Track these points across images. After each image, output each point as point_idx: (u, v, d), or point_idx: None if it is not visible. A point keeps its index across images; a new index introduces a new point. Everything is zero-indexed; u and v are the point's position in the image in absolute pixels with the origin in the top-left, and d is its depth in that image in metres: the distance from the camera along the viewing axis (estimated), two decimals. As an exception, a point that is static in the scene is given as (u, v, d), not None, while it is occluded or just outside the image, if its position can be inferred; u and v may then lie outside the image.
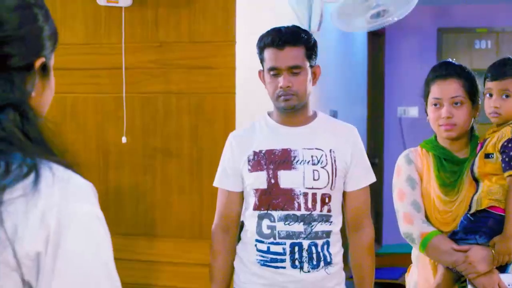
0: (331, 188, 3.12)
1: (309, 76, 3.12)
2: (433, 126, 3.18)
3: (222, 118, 4.06)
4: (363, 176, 3.22)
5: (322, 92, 5.67)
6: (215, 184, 3.30)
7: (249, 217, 3.19)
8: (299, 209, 3.09)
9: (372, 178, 3.27)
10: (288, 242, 3.09)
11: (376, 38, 8.65)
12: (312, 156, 3.11)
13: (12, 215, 1.29)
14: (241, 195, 3.25)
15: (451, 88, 3.13)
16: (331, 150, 3.14)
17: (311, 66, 3.13)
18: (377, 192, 8.14)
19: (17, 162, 1.32)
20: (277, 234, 3.10)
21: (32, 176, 1.32)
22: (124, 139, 4.18)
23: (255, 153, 3.16)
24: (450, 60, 3.28)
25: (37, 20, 1.45)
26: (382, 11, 4.84)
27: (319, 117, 3.24)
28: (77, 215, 1.36)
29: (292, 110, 3.13)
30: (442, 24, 8.85)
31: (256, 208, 3.15)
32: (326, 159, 3.12)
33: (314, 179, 3.09)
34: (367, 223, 3.27)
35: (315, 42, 3.16)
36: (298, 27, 3.18)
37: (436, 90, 3.16)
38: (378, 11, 4.81)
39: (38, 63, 1.44)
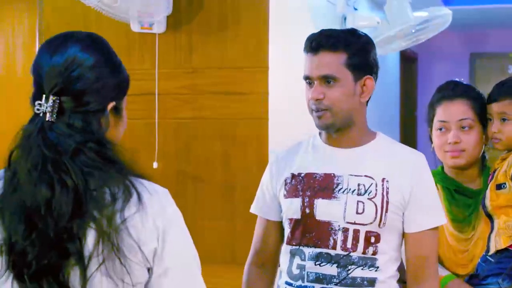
0: (379, 226, 2.49)
1: (351, 89, 2.52)
2: (439, 153, 2.87)
3: (255, 144, 4.06)
4: (426, 215, 2.54)
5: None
6: (251, 209, 2.82)
7: (283, 253, 2.67)
8: (334, 247, 2.50)
9: (440, 220, 2.59)
10: (318, 286, 2.53)
11: (409, 63, 8.64)
12: (358, 185, 2.52)
13: (134, 227, 1.74)
14: (280, 226, 2.72)
15: (458, 110, 2.80)
16: (384, 180, 2.52)
17: (357, 77, 2.54)
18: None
19: (117, 187, 1.73)
20: (305, 276, 2.55)
21: (135, 195, 1.77)
22: (155, 165, 4.20)
23: (293, 176, 2.63)
24: (458, 80, 2.98)
25: (109, 75, 1.81)
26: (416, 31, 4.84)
27: (378, 139, 2.64)
28: (174, 216, 1.88)
29: (331, 130, 2.59)
30: (474, 49, 8.82)
31: (288, 242, 2.62)
32: (376, 190, 2.51)
33: (357, 213, 2.50)
34: (431, 275, 2.57)
35: (366, 47, 2.58)
36: (353, 30, 2.64)
37: (442, 112, 2.83)
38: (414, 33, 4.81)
39: (109, 106, 1.82)
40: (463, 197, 2.84)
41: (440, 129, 2.83)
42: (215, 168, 4.16)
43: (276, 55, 4.09)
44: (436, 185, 2.66)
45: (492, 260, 2.68)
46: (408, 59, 8.37)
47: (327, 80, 2.51)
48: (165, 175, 4.24)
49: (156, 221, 1.80)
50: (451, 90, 2.86)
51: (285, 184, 2.65)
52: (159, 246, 1.80)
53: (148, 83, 4.24)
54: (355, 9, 4.92)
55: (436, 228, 2.56)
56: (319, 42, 2.54)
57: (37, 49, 4.41)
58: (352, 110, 2.55)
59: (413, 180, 2.52)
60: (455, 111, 2.81)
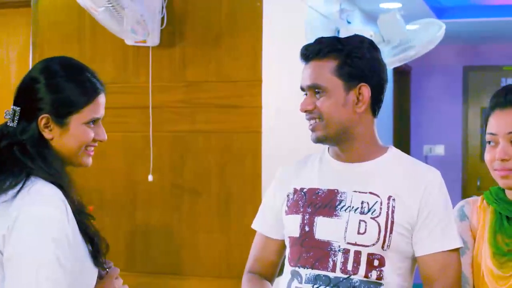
0: (383, 248, 2.26)
1: (341, 98, 2.31)
2: (490, 171, 2.34)
3: (249, 157, 4.07)
4: (436, 238, 2.28)
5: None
6: (252, 225, 2.60)
7: (285, 274, 2.42)
8: (333, 269, 2.27)
9: (454, 243, 2.29)
10: None
11: (402, 76, 8.66)
12: (362, 202, 2.30)
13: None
14: (281, 245, 2.50)
15: (509, 120, 2.27)
16: (390, 198, 2.29)
17: (350, 86, 2.31)
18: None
19: (10, 179, 2.04)
20: None
21: (17, 188, 2.01)
22: (150, 177, 4.20)
23: (295, 191, 2.43)
24: None
25: (45, 93, 2.10)
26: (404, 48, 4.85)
27: (389, 154, 2.40)
28: (31, 213, 1.97)
29: (328, 143, 2.41)
30: (467, 62, 8.83)
31: (288, 262, 2.40)
32: (381, 208, 2.28)
33: (358, 233, 2.27)
34: None
35: (358, 52, 2.33)
36: (351, 36, 2.42)
37: (492, 123, 2.31)
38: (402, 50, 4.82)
39: (40, 118, 2.09)
40: None
41: (489, 142, 2.32)
42: (210, 181, 4.16)
43: (270, 69, 4.11)
44: (488, 206, 2.36)
45: None
46: (401, 72, 8.39)
47: (315, 90, 2.33)
48: (160, 188, 4.25)
49: (13, 212, 1.98)
50: (503, 97, 2.31)
51: (287, 200, 2.45)
52: (7, 234, 1.97)
53: (142, 96, 4.25)
54: (349, 22, 4.94)
55: (450, 253, 2.28)
56: (309, 50, 2.38)
57: (31, 62, 4.43)
58: (346, 121, 2.33)
59: (423, 199, 2.29)
60: (504, 122, 2.28)
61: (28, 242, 1.95)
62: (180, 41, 4.23)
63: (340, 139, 2.36)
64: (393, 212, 2.28)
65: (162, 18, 4.17)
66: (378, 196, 2.30)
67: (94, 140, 2.21)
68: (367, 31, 4.84)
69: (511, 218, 2.31)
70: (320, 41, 2.38)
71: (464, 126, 8.73)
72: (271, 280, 2.53)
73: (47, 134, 2.10)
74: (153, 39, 4.15)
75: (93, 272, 2.12)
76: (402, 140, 8.69)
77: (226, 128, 4.14)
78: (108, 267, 2.25)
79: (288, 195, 2.45)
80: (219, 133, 4.15)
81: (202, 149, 4.19)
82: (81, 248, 2.08)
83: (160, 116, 4.24)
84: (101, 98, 2.20)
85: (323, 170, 2.43)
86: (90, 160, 2.25)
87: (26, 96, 2.11)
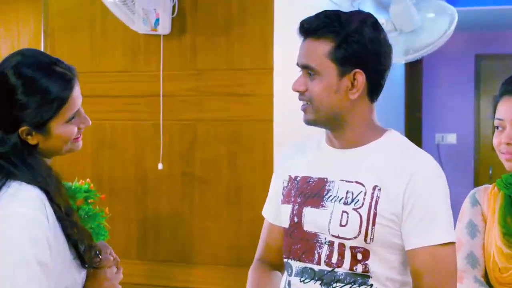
0: (365, 241, 2.13)
1: (333, 84, 2.17)
2: (498, 154, 2.41)
3: (260, 146, 4.07)
4: (423, 230, 2.11)
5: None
6: (262, 211, 2.52)
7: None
8: (318, 262, 2.19)
9: (443, 237, 2.12)
10: None
11: (414, 65, 8.63)
12: (347, 192, 2.17)
13: None
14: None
15: None
16: (375, 187, 2.15)
17: (343, 71, 2.16)
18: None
19: None
20: None
21: None
22: (160, 166, 4.21)
23: (290, 179, 2.34)
24: None
25: (15, 104, 2.05)
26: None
27: (383, 138, 2.26)
28: (6, 214, 1.96)
29: (318, 127, 2.29)
30: (479, 51, 8.80)
31: (283, 253, 2.34)
32: (364, 199, 2.15)
33: (340, 225, 2.15)
34: None
35: (356, 36, 2.16)
36: (350, 13, 2.24)
37: (500, 109, 2.39)
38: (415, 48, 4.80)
39: (21, 130, 2.07)
40: None
41: (497, 127, 2.39)
42: (220, 169, 4.16)
43: (281, 57, 4.10)
44: (499, 191, 2.40)
45: None
46: (412, 61, 8.36)
47: (308, 71, 2.20)
48: (170, 177, 4.25)
49: None
50: (510, 84, 2.40)
51: (283, 188, 2.36)
52: None
53: (153, 84, 4.25)
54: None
55: (440, 247, 2.12)
56: (306, 26, 2.22)
57: (42, 50, 4.43)
58: (337, 108, 2.19)
59: (407, 188, 2.12)
60: (511, 107, 2.37)
61: (3, 242, 1.94)
62: (191, 29, 4.22)
63: (331, 125, 2.24)
64: (376, 203, 2.13)
65: (173, 7, 4.16)
66: (363, 186, 2.16)
67: (79, 129, 2.18)
68: (379, 19, 4.82)
69: None
70: (317, 17, 2.21)
71: (476, 115, 8.70)
72: (280, 266, 2.41)
73: (31, 140, 2.09)
74: (164, 28, 4.14)
75: (76, 274, 2.12)
76: (414, 128, 8.67)
77: (236, 116, 4.13)
78: (102, 257, 2.24)
79: (283, 182, 2.36)
80: (230, 121, 4.14)
81: (212, 137, 4.18)
82: (64, 250, 2.07)
83: (170, 105, 4.24)
84: (75, 91, 2.13)
85: (317, 157, 2.31)
86: (80, 144, 2.22)
87: (3, 106, 2.07)
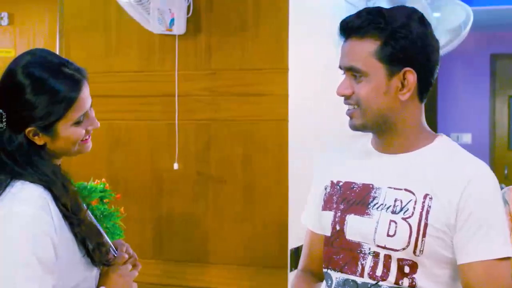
0: (414, 253, 2.00)
1: (382, 85, 2.05)
2: None
3: (275, 146, 4.06)
4: (478, 243, 1.98)
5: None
6: (301, 218, 2.42)
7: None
8: (361, 274, 2.06)
9: (499, 251, 1.99)
10: None
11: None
12: (395, 200, 2.05)
13: None
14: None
15: None
16: (426, 196, 2.02)
17: (392, 71, 2.05)
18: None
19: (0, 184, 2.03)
20: None
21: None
22: (176, 166, 4.21)
23: (331, 184, 2.22)
24: None
25: (23, 103, 2.05)
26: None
27: (435, 144, 2.14)
28: (8, 213, 1.96)
29: (366, 132, 2.17)
30: (495, 50, 8.78)
31: (322, 262, 2.22)
32: (414, 208, 2.01)
33: (388, 235, 2.03)
34: None
35: (405, 32, 2.03)
36: (394, 9, 2.10)
37: None
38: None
39: (27, 131, 2.07)
40: None
41: None
42: (235, 169, 4.16)
43: (296, 56, 4.09)
44: None
45: None
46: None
47: (354, 73, 2.07)
48: (186, 176, 4.25)
49: None
50: None
51: (324, 194, 2.24)
52: None
53: (168, 84, 4.25)
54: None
55: (495, 262, 1.98)
56: (348, 26, 2.08)
57: (57, 50, 4.44)
58: (387, 110, 2.07)
59: (462, 198, 1.99)
60: None
61: (4, 242, 1.95)
62: (206, 29, 4.21)
63: (379, 129, 2.12)
64: (427, 212, 2.00)
65: (188, 7, 4.16)
66: (413, 194, 2.03)
67: (87, 131, 2.18)
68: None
69: None
70: (360, 15, 2.07)
71: (491, 115, 8.68)
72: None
73: (38, 141, 2.10)
74: (179, 28, 4.14)
75: (86, 272, 2.12)
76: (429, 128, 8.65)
77: (251, 116, 4.12)
78: (116, 254, 2.24)
79: (325, 188, 2.24)
80: (245, 121, 4.13)
81: (227, 137, 4.18)
82: (72, 248, 2.07)
83: (185, 105, 4.24)
84: (84, 93, 2.12)
85: (362, 161, 2.19)
86: (89, 145, 2.22)
87: (11, 105, 2.07)
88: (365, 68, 2.04)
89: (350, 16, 2.09)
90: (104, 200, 3.67)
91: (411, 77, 2.05)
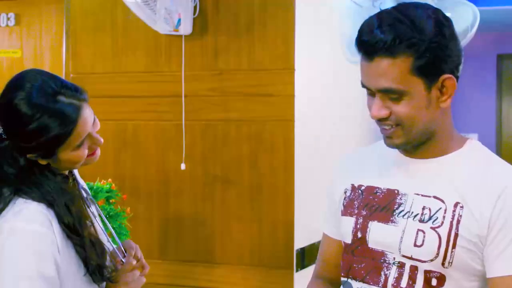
0: (443, 264, 1.89)
1: (424, 99, 1.90)
2: None
3: (282, 146, 4.06)
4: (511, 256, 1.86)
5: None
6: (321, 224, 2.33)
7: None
8: (384, 285, 1.95)
9: None
10: None
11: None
12: (423, 208, 1.93)
13: None
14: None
15: None
16: (457, 204, 1.90)
17: (431, 81, 1.90)
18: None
19: (2, 199, 2.05)
20: None
21: (2, 207, 2.03)
22: (183, 166, 4.21)
23: (353, 188, 2.11)
24: None
25: (20, 136, 2.06)
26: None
27: (465, 148, 2.02)
28: (11, 228, 1.98)
29: (405, 148, 2.02)
30: (502, 51, 8.76)
31: (341, 269, 2.12)
32: (444, 217, 1.89)
33: (415, 245, 1.91)
34: None
35: (438, 38, 1.88)
36: (418, 15, 1.91)
37: None
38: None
39: (28, 156, 2.08)
40: None
41: None
42: (242, 169, 4.16)
43: (303, 57, 4.09)
44: None
45: None
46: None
47: (390, 94, 1.90)
48: (193, 177, 4.25)
49: None
50: None
51: (344, 198, 2.13)
52: None
53: (175, 85, 4.26)
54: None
55: None
56: (373, 44, 1.88)
57: (64, 51, 4.45)
58: (430, 122, 1.95)
59: (496, 208, 1.86)
60: None
61: (9, 256, 1.96)
62: (213, 29, 4.22)
63: (421, 141, 1.98)
64: (458, 222, 1.88)
65: (195, 7, 4.17)
66: (443, 202, 1.91)
67: (91, 149, 2.17)
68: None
69: None
70: (383, 30, 1.88)
71: (498, 115, 8.67)
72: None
73: (41, 162, 2.11)
74: (186, 28, 4.15)
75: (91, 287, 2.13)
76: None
77: (258, 116, 4.12)
78: (124, 260, 2.24)
79: (345, 192, 2.13)
80: (252, 122, 4.13)
81: (234, 137, 4.18)
82: (75, 265, 2.08)
83: (192, 105, 4.24)
84: (83, 118, 2.08)
85: (386, 165, 2.07)
86: (96, 157, 2.21)
87: (11, 130, 2.08)
88: (405, 87, 1.88)
89: (372, 32, 1.90)
90: (111, 201, 3.67)
91: (450, 83, 1.93)
